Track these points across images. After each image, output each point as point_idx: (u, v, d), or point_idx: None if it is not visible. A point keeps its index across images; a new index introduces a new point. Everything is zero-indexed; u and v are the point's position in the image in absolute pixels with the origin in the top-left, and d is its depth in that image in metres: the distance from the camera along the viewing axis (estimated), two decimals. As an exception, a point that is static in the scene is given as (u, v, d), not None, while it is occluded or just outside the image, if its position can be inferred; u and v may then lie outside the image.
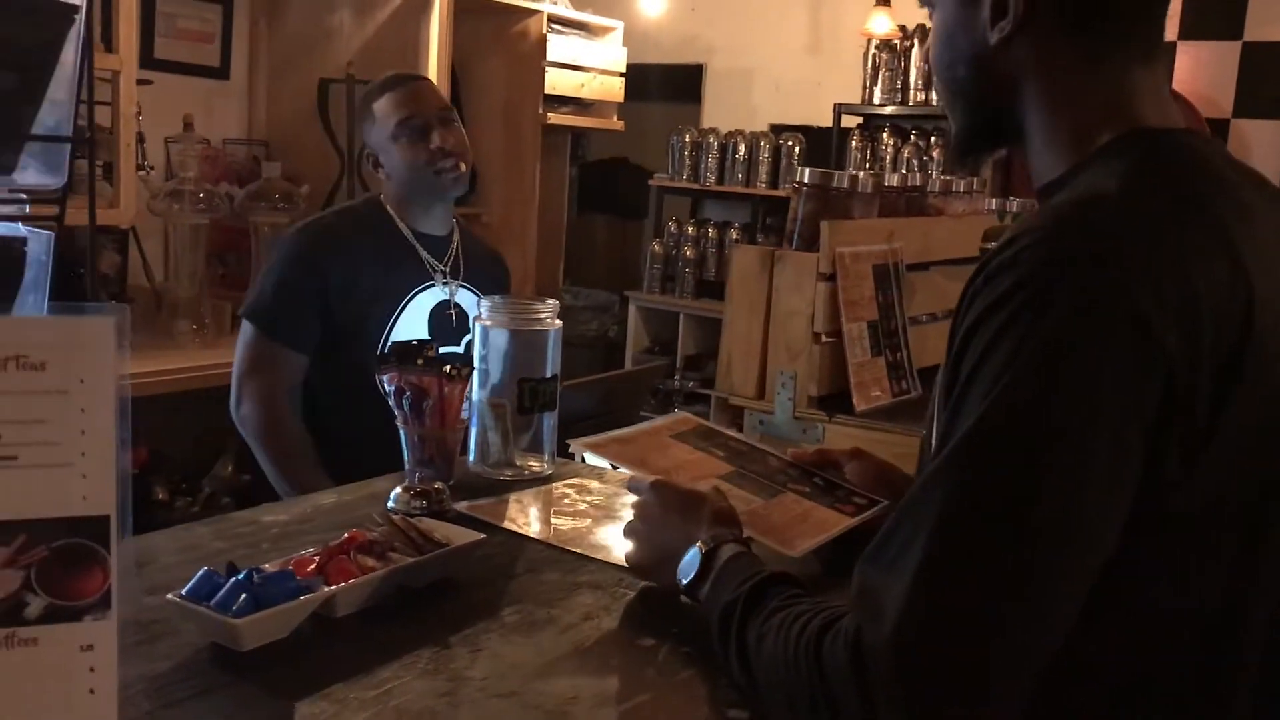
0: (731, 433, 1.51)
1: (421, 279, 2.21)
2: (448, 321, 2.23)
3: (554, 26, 4.33)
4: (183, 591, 0.99)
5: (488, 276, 2.33)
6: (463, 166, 2.22)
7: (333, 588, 1.03)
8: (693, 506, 1.14)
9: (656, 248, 5.66)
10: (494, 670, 0.98)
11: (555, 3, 4.40)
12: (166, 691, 0.91)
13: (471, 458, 1.57)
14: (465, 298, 2.27)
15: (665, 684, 0.99)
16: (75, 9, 1.02)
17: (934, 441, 0.96)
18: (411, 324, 2.18)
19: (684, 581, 1.07)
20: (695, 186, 5.64)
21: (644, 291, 5.69)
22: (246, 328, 2.18)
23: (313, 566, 1.06)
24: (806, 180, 2.19)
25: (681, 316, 5.52)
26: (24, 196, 1.10)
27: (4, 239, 0.96)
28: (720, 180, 5.55)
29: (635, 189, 6.44)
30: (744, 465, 1.38)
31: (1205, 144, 0.95)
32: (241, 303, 3.24)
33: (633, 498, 1.23)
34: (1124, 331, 0.79)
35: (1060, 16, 0.93)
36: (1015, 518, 0.78)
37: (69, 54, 1.03)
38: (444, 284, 2.22)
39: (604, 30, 4.65)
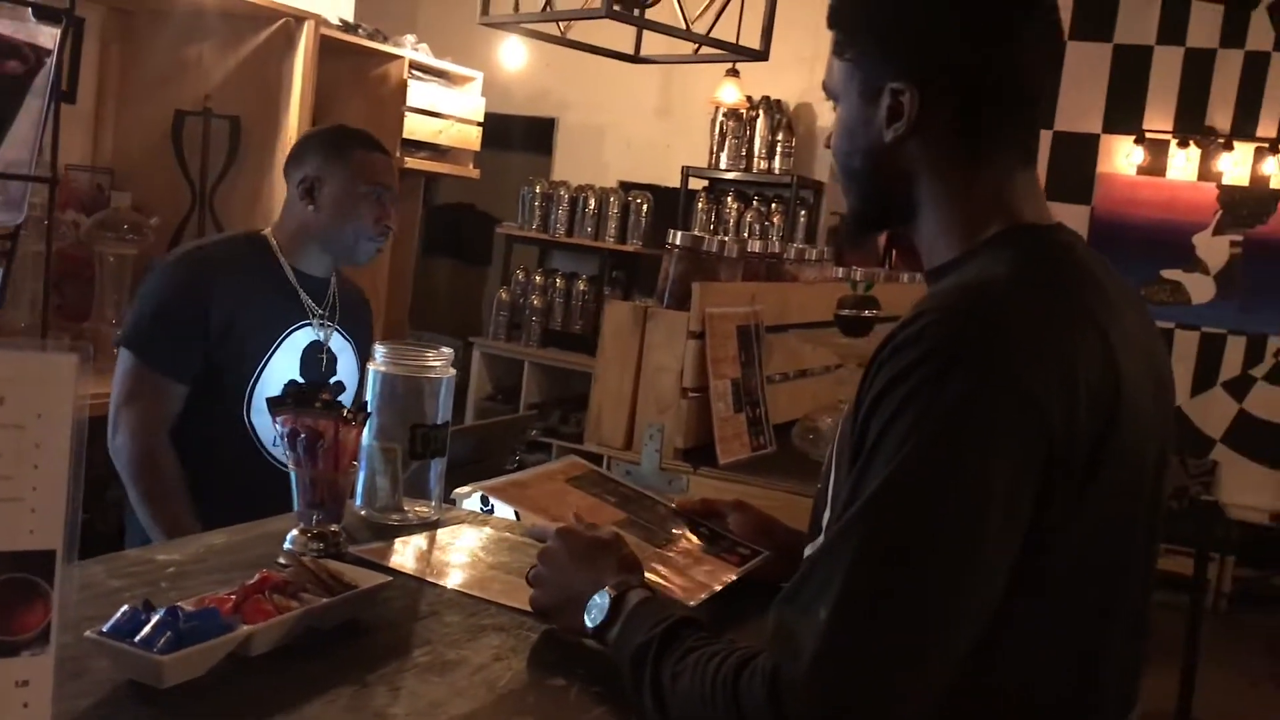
0: (620, 479, 1.58)
1: (298, 318, 2.21)
2: (318, 363, 2.24)
3: (414, 73, 4.36)
4: (103, 628, 0.99)
5: (357, 320, 2.35)
6: (384, 244, 2.29)
7: (253, 626, 1.05)
8: (598, 553, 1.20)
9: (504, 295, 5.71)
10: (415, 708, 1.01)
11: (416, 49, 4.44)
12: (91, 729, 0.91)
13: (359, 501, 1.59)
14: (336, 341, 2.28)
15: (580, 721, 1.04)
16: (47, 53, 1.02)
17: (830, 495, 1.05)
18: (284, 362, 2.17)
19: (592, 625, 1.13)
20: (544, 237, 5.73)
21: (489, 338, 5.72)
22: (125, 356, 2.12)
23: (229, 605, 1.07)
24: (679, 243, 2.29)
25: (527, 364, 5.57)
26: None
27: (-48, 272, 0.95)
28: (570, 232, 5.65)
29: (480, 235, 6.48)
30: (635, 512, 1.45)
31: (1074, 239, 1.08)
32: (80, 334, 3.15)
33: (523, 541, 1.28)
34: (1013, 405, 0.90)
35: (950, 123, 1.05)
36: (919, 566, 0.88)
37: (33, 95, 1.03)
38: (320, 326, 2.23)
39: (463, 79, 4.70)
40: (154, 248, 3.40)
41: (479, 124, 4.71)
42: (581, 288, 5.63)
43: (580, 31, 2.81)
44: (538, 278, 5.71)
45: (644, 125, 6.03)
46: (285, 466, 2.15)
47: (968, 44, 1.04)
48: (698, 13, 2.61)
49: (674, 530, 1.44)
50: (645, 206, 5.58)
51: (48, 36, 1.05)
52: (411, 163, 4.39)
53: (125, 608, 1.01)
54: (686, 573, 1.33)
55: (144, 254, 3.33)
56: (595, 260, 5.88)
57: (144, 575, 1.26)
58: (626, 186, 5.82)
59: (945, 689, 0.89)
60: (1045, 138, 6.35)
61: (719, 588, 1.31)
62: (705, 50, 2.62)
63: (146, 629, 0.98)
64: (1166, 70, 6.27)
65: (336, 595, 1.16)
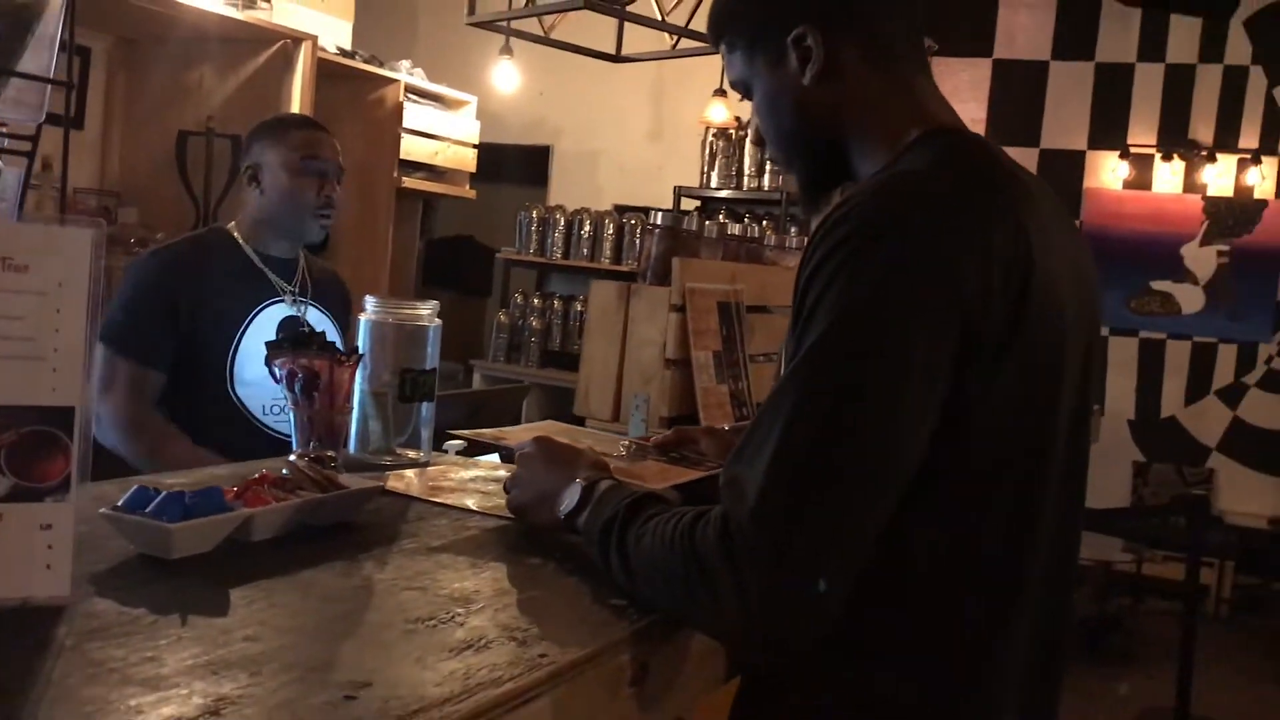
0: (598, 431, 1.68)
1: (268, 295, 2.34)
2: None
3: (410, 96, 4.51)
4: (117, 503, 1.09)
5: (334, 295, 2.49)
6: (331, 222, 2.41)
7: (256, 508, 1.14)
8: (571, 455, 1.30)
9: (503, 318, 5.81)
10: (402, 574, 1.11)
11: (412, 74, 4.59)
12: (109, 581, 1.00)
13: (353, 447, 1.68)
14: (314, 315, 2.40)
15: (554, 585, 1.14)
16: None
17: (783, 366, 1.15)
18: (260, 336, 2.28)
19: (564, 513, 1.22)
20: (542, 260, 5.84)
21: (489, 360, 5.82)
22: (100, 350, 2.22)
23: (232, 494, 1.17)
24: (660, 223, 2.40)
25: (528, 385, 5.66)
26: (4, 129, 1.21)
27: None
28: (566, 255, 5.77)
29: (479, 267, 6.61)
30: (607, 449, 1.55)
31: (994, 146, 1.19)
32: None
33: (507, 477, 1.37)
34: (932, 271, 1.01)
35: (854, 45, 1.17)
36: (851, 409, 0.98)
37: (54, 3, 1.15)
38: (293, 301, 2.35)
39: (458, 103, 4.86)
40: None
41: (474, 146, 4.86)
42: (579, 309, 5.74)
43: (563, 36, 2.94)
44: (536, 300, 5.82)
45: (637, 149, 6.18)
46: (279, 434, 2.26)
47: None
48: (672, 6, 2.75)
49: (647, 455, 1.54)
50: (640, 228, 5.70)
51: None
52: (409, 183, 4.53)
53: (136, 486, 1.10)
54: (658, 473, 1.43)
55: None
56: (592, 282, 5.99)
57: (153, 491, 1.36)
58: (621, 209, 5.95)
59: (876, 537, 0.99)
60: (1032, 155, 6.48)
61: (683, 480, 1.41)
62: (684, 44, 2.74)
63: (155, 503, 1.07)
64: (1148, 86, 6.42)
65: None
